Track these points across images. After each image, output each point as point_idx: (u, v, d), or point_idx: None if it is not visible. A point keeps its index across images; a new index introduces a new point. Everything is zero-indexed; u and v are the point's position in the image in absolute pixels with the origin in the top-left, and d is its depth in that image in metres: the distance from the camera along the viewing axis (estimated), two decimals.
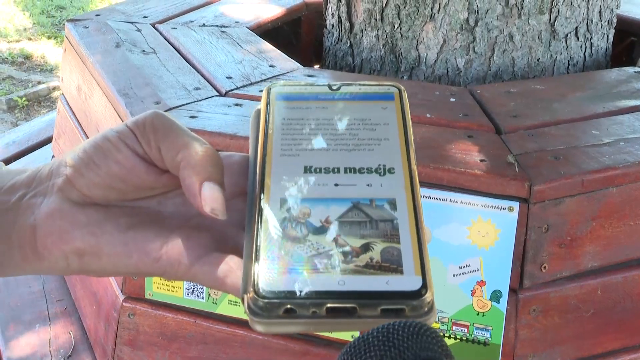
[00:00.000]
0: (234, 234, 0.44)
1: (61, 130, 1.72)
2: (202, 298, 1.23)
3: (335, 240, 0.40)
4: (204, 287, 1.22)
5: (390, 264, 0.39)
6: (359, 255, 0.39)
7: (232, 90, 1.35)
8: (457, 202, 1.12)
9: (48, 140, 1.94)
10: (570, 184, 1.08)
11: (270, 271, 0.39)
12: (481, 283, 1.12)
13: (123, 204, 0.45)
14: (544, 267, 1.10)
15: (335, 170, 0.44)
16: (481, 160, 1.12)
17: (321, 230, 0.41)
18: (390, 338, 0.35)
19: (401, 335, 0.35)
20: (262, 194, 0.43)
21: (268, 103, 0.48)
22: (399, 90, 0.50)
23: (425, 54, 1.51)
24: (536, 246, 1.09)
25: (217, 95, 1.34)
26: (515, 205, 1.08)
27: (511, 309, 1.11)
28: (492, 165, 1.10)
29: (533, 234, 1.08)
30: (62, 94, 1.74)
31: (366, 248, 0.40)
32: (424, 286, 0.38)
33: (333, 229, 0.41)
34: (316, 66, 1.85)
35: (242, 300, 0.39)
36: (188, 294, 1.23)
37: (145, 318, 1.26)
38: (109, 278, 1.33)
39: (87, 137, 1.51)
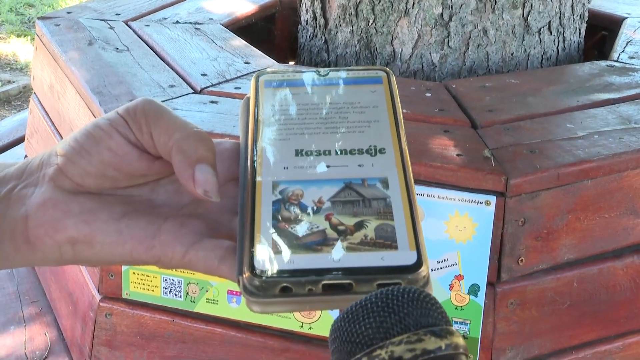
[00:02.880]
0: (227, 220, 0.44)
1: (34, 129, 1.70)
2: (180, 297, 1.22)
3: (328, 219, 0.40)
4: (182, 286, 1.21)
5: (385, 240, 0.39)
6: (353, 233, 0.39)
7: (207, 87, 1.35)
8: (434, 196, 1.12)
9: (20, 140, 1.91)
10: (546, 178, 1.09)
11: (265, 251, 0.39)
12: (459, 277, 1.13)
13: (115, 192, 0.44)
14: (521, 261, 1.11)
15: (327, 152, 0.44)
16: (458, 155, 1.12)
17: (314, 210, 0.41)
18: (390, 304, 0.34)
19: (401, 301, 0.34)
20: (254, 178, 0.43)
21: (257, 90, 0.49)
22: (387, 73, 0.50)
23: (400, 49, 1.51)
24: (513, 240, 1.10)
25: (192, 93, 1.33)
26: (492, 199, 1.08)
27: (489, 302, 1.12)
28: (468, 160, 1.11)
29: (510, 227, 1.09)
30: (34, 92, 1.72)
31: (360, 226, 0.40)
32: (419, 260, 0.38)
33: (326, 209, 0.41)
34: (291, 62, 1.85)
35: (238, 281, 0.39)
36: (166, 293, 1.23)
37: (123, 318, 1.25)
38: (85, 278, 1.31)
39: (61, 136, 1.50)
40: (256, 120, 0.46)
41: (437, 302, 0.35)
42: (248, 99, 0.49)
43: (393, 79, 0.50)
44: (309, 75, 0.50)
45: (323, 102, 0.48)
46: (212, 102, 1.30)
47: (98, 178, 0.43)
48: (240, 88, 1.34)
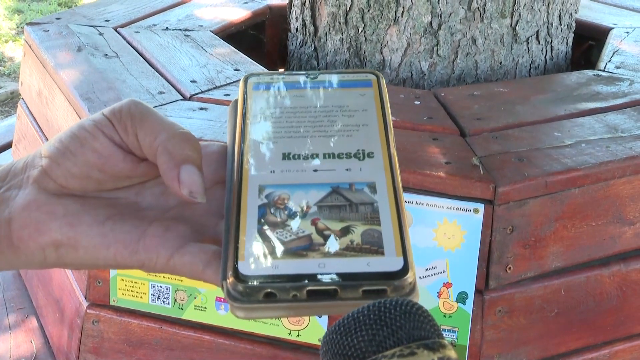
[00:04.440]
0: (213, 224, 0.44)
1: (21, 135, 1.70)
2: (168, 304, 1.22)
3: (314, 224, 0.40)
4: (170, 293, 1.21)
5: (371, 246, 0.39)
6: (339, 238, 0.39)
7: (196, 94, 1.34)
8: (423, 204, 1.13)
9: (7, 146, 1.90)
10: (533, 186, 1.09)
11: (250, 256, 0.38)
12: (447, 285, 1.13)
13: (100, 195, 0.44)
14: (509, 268, 1.11)
15: (314, 156, 0.44)
16: (446, 163, 1.13)
17: (300, 215, 0.40)
18: (382, 317, 0.33)
19: (393, 313, 0.33)
20: (240, 181, 0.42)
21: (245, 93, 0.48)
22: (377, 77, 0.49)
23: (390, 57, 1.52)
24: (501, 247, 1.10)
25: (181, 99, 1.33)
26: (481, 207, 1.09)
27: (477, 310, 1.12)
28: (457, 168, 1.11)
29: (498, 235, 1.09)
30: (22, 98, 1.71)
31: (346, 231, 0.39)
32: (406, 267, 0.38)
33: (312, 214, 0.40)
34: (281, 70, 1.85)
35: (222, 286, 0.38)
36: (153, 300, 1.22)
37: (110, 325, 1.24)
38: (72, 285, 1.31)
39: None
40: (244, 123, 0.46)
41: (429, 315, 0.34)
42: (236, 101, 0.48)
43: (383, 82, 0.49)
44: (298, 78, 0.50)
45: (312, 105, 0.48)
46: (202, 108, 1.30)
47: (82, 180, 0.43)
48: (229, 95, 1.34)
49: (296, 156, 0.44)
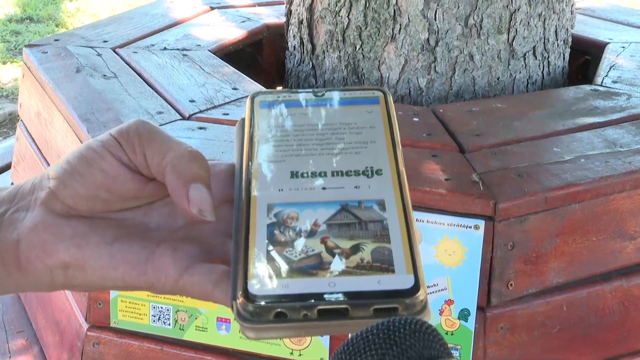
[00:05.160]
0: (221, 243, 0.44)
1: (20, 157, 1.70)
2: (169, 325, 1.21)
3: (324, 242, 0.40)
4: (171, 314, 1.20)
5: (382, 264, 0.38)
6: (349, 257, 0.39)
7: (195, 113, 1.35)
8: (423, 221, 1.13)
9: (6, 167, 1.90)
10: (534, 201, 1.09)
11: (259, 275, 0.38)
12: (449, 302, 1.13)
13: (108, 216, 0.44)
14: (511, 285, 1.11)
15: (322, 174, 0.44)
16: (446, 180, 1.13)
17: (310, 233, 0.40)
18: (392, 336, 0.33)
19: (402, 333, 0.33)
20: (249, 200, 0.42)
21: (252, 111, 0.48)
22: (384, 93, 0.49)
23: (388, 74, 1.52)
24: (502, 264, 1.10)
25: (180, 119, 1.33)
26: (481, 223, 1.09)
27: (479, 327, 1.12)
28: (457, 184, 1.11)
29: (499, 251, 1.09)
30: (21, 120, 1.71)
31: (356, 249, 0.39)
32: (417, 284, 0.37)
33: (322, 232, 0.40)
34: (279, 88, 1.85)
35: (232, 306, 0.38)
36: (154, 321, 1.21)
37: (111, 347, 1.23)
38: (72, 306, 1.30)
39: (48, 164, 1.49)
40: (251, 141, 0.46)
41: (438, 334, 0.34)
42: (243, 120, 0.48)
43: (390, 99, 0.49)
44: (304, 96, 0.50)
45: (319, 123, 0.47)
46: (201, 128, 1.30)
47: (90, 200, 0.43)
48: (228, 114, 1.34)
49: (304, 174, 0.44)
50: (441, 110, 1.36)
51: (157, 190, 0.44)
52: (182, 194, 0.42)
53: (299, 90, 0.50)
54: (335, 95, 0.50)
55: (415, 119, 1.33)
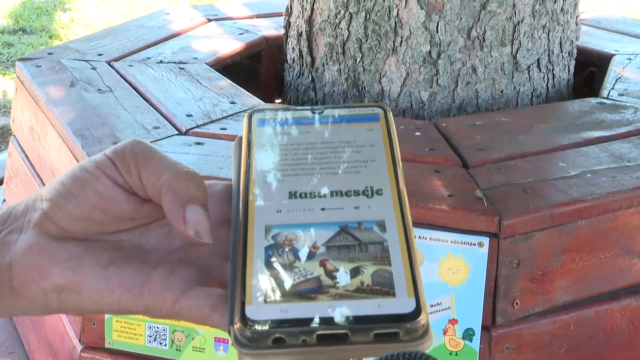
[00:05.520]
0: (218, 265, 0.43)
1: (13, 173, 1.69)
2: (165, 345, 1.20)
3: (323, 265, 0.40)
4: (167, 334, 1.19)
5: (382, 287, 0.38)
6: (348, 280, 0.39)
7: (192, 128, 1.35)
8: (426, 238, 1.12)
9: None
10: (539, 218, 1.09)
11: (257, 300, 0.38)
12: (453, 321, 1.13)
13: (103, 238, 0.44)
14: (516, 304, 1.11)
15: (321, 194, 0.44)
16: (449, 196, 1.13)
17: (308, 256, 0.40)
18: None
19: None
20: (246, 222, 0.42)
21: (249, 130, 0.49)
22: (384, 110, 0.50)
23: (389, 88, 1.52)
24: (508, 282, 1.10)
25: (177, 134, 1.33)
26: (485, 240, 1.08)
27: (484, 347, 1.11)
28: (460, 201, 1.11)
29: (504, 269, 1.09)
30: (14, 135, 1.71)
31: (356, 272, 0.39)
32: (418, 308, 0.37)
33: (321, 254, 0.40)
34: (278, 101, 1.86)
35: (229, 331, 0.38)
36: (150, 341, 1.21)
37: None
38: (66, 327, 1.30)
39: (41, 180, 1.49)
40: (248, 161, 0.46)
41: None
42: (240, 138, 0.48)
43: (390, 115, 0.49)
44: (303, 113, 0.50)
45: (318, 141, 0.48)
46: (198, 143, 1.30)
47: (85, 222, 0.43)
48: (226, 129, 1.34)
49: (303, 195, 0.44)
50: (444, 124, 1.36)
51: (152, 212, 0.44)
52: (179, 216, 0.42)
53: (298, 108, 0.51)
54: (335, 113, 0.50)
55: (417, 133, 1.33)
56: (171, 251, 0.44)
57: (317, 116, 0.50)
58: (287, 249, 0.41)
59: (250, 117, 0.50)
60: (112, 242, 0.44)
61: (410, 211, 0.43)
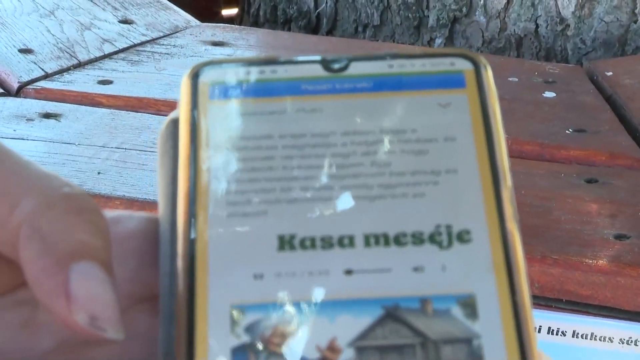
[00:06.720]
0: None
1: None
2: None
3: None
4: None
5: None
6: None
7: (33, 81, 0.97)
8: (579, 336, 0.76)
9: None
10: None
11: None
12: None
13: None
14: None
15: (346, 241, 0.28)
16: (617, 238, 0.75)
17: None
18: None
19: None
20: (191, 298, 0.27)
21: (195, 105, 0.30)
22: (476, 65, 0.30)
23: None
24: None
25: (3, 95, 0.96)
26: None
27: None
28: None
29: None
30: None
31: None
32: None
33: None
34: (235, 10, 1.41)
35: None
36: None
37: None
38: None
39: None
40: (194, 172, 0.29)
41: None
42: (175, 122, 0.30)
43: (488, 75, 0.30)
44: (304, 70, 0.30)
45: (336, 131, 0.29)
46: (47, 115, 0.91)
47: None
48: (112, 82, 0.93)
49: (306, 242, 0.28)
50: (609, 73, 0.94)
51: (7, 275, 0.30)
52: (56, 286, 0.26)
53: (293, 59, 0.30)
54: (371, 71, 0.30)
55: (548, 94, 0.91)
56: (43, 352, 0.30)
57: (335, 77, 0.30)
58: (273, 353, 0.27)
59: (194, 78, 0.30)
60: None
61: (529, 275, 0.27)
